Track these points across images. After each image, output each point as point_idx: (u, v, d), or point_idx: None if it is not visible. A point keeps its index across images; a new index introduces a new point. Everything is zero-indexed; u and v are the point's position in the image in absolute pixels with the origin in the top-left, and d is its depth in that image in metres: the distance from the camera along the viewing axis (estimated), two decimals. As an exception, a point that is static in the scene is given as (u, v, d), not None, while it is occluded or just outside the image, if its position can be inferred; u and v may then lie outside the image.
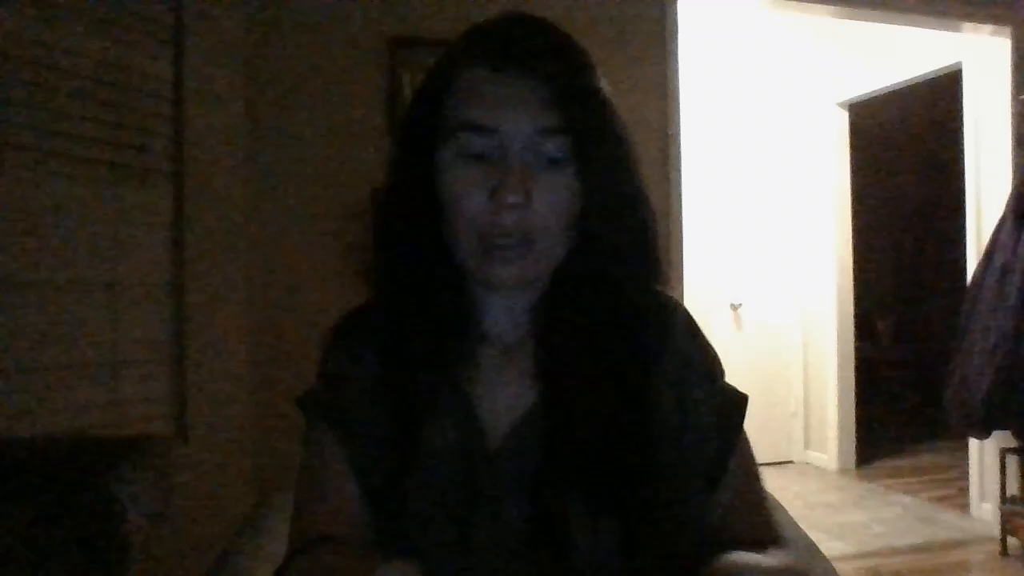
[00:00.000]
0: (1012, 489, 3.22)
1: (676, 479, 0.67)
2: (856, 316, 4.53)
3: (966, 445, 3.59)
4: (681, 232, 2.71)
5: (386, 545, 0.66)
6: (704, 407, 0.70)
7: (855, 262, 4.49)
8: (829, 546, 3.14)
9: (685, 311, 0.75)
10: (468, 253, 0.65)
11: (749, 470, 0.72)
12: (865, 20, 3.38)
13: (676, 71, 2.67)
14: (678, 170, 2.67)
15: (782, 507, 1.10)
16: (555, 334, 0.69)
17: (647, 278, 0.71)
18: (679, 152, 2.68)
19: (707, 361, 0.73)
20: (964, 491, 3.69)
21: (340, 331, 0.76)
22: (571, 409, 0.66)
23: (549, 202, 0.64)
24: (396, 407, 0.68)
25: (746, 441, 0.72)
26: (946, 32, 3.45)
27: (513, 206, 0.62)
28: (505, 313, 0.71)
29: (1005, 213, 3.12)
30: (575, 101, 0.64)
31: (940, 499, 3.86)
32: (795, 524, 1.06)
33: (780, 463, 4.61)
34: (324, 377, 0.75)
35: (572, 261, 0.68)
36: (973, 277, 3.23)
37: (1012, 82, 3.32)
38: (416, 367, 0.68)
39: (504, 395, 0.70)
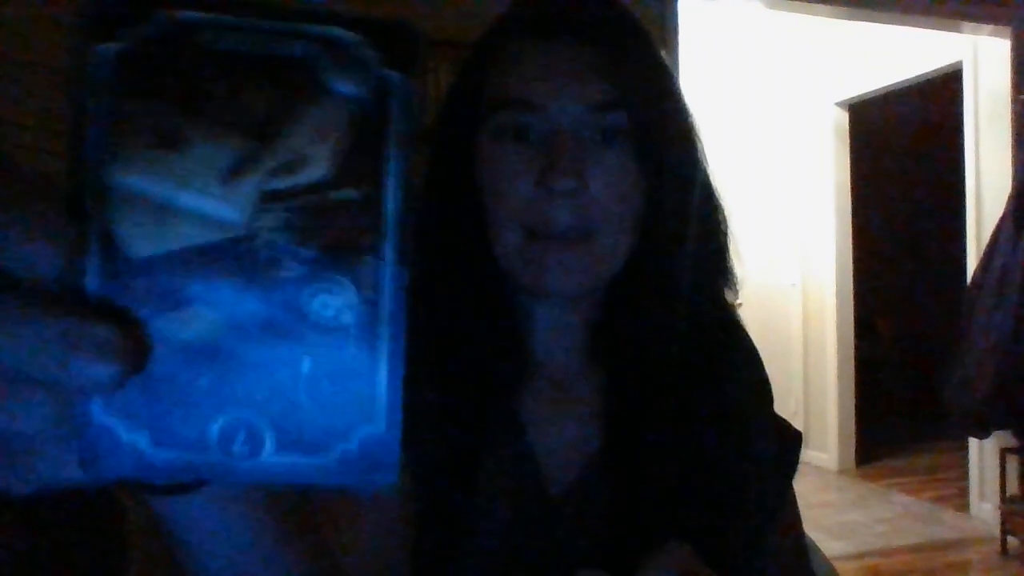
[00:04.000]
0: (1012, 489, 3.23)
1: (744, 533, 0.57)
2: (856, 316, 4.53)
3: (966, 445, 3.58)
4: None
5: None
6: (764, 448, 0.60)
7: (855, 262, 4.48)
8: (829, 546, 3.14)
9: (747, 332, 0.66)
10: (512, 254, 0.55)
11: (796, 521, 0.65)
12: (865, 20, 3.37)
13: (676, 70, 2.68)
14: (678, 170, 2.68)
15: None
16: (621, 365, 0.58)
17: (720, 286, 0.63)
18: (679, 152, 2.69)
19: (766, 393, 0.64)
20: (964, 491, 3.69)
21: None
22: (646, 459, 0.56)
23: (608, 185, 0.54)
24: (444, 435, 0.55)
25: (793, 490, 0.65)
26: (946, 32, 3.44)
27: (565, 193, 0.52)
28: (557, 332, 0.60)
29: (1005, 213, 3.12)
30: (631, 71, 0.54)
31: (940, 499, 3.86)
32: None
33: (780, 463, 4.62)
34: None
35: (634, 267, 0.57)
36: (973, 277, 3.23)
37: (1012, 82, 3.32)
38: (464, 390, 0.56)
39: (562, 432, 0.59)
